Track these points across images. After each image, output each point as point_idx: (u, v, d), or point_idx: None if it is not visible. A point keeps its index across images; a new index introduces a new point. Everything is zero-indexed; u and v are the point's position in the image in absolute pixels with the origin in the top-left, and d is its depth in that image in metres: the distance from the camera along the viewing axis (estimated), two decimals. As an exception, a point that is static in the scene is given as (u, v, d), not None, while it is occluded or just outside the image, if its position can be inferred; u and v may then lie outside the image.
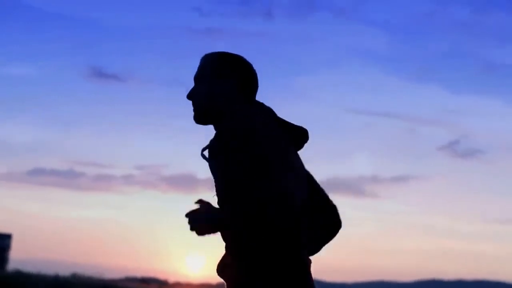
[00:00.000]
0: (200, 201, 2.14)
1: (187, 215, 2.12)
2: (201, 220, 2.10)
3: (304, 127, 2.32)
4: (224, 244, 2.25)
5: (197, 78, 2.36)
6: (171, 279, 26.05)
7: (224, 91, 2.30)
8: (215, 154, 2.15)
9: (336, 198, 2.35)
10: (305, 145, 2.34)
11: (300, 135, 2.31)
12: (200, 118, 2.33)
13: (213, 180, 2.22)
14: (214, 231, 2.12)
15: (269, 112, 2.28)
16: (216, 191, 2.20)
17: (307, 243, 2.21)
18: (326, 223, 2.30)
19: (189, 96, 2.35)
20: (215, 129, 2.31)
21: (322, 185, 2.37)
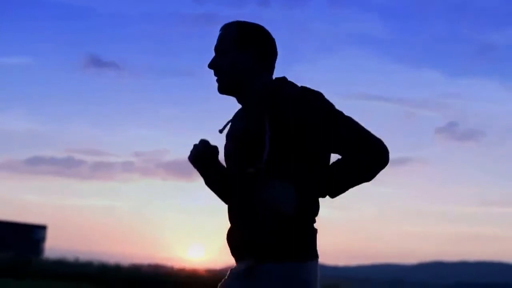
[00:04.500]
0: (205, 142, 2.39)
1: (198, 145, 2.38)
2: (205, 160, 2.37)
3: None
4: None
5: (217, 49, 2.40)
6: (176, 265, 25.97)
7: (246, 63, 2.35)
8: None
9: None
10: None
11: None
12: (225, 89, 2.38)
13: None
14: (208, 175, 2.43)
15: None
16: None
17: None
18: (363, 159, 2.27)
19: (210, 66, 2.40)
20: (238, 100, 2.39)
21: None
